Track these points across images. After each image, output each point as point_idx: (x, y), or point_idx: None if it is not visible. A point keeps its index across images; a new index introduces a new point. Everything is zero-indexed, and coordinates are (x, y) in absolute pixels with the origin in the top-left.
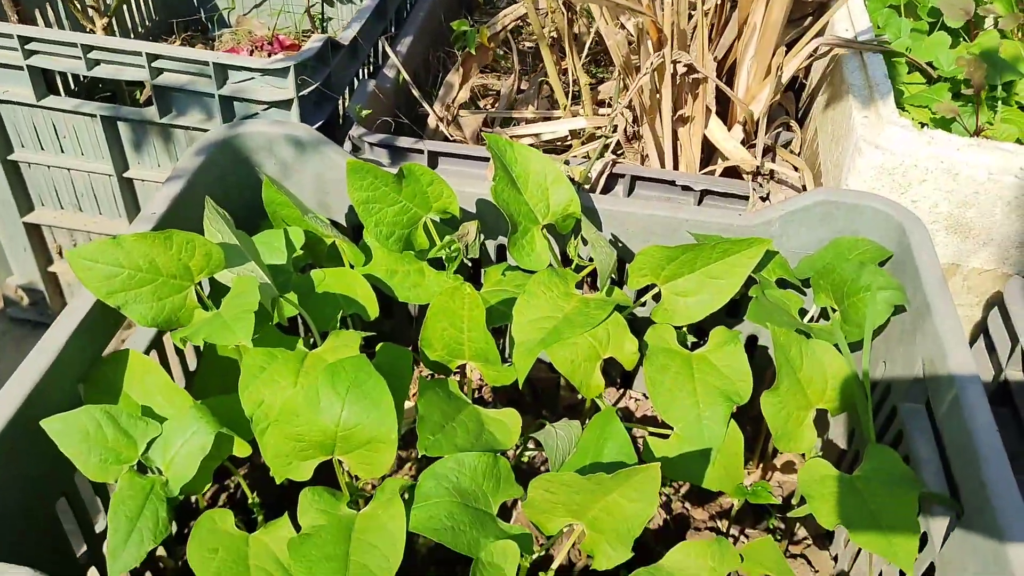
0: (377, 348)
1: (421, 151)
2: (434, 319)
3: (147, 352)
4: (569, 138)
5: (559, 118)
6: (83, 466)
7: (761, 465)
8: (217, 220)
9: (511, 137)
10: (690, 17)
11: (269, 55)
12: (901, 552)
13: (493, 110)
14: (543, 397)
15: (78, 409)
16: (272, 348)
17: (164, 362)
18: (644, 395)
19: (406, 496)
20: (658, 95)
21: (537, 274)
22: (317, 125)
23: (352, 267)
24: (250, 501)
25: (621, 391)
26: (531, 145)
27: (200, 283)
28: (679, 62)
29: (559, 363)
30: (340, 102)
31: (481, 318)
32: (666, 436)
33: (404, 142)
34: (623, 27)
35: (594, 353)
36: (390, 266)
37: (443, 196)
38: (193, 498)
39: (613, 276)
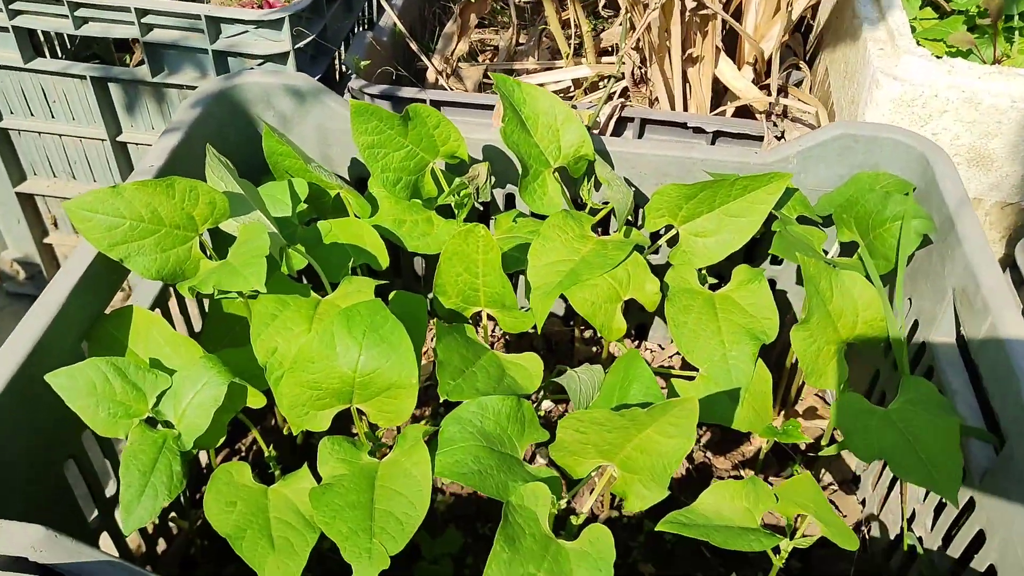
0: (391, 296)
1: (424, 100)
2: (447, 264)
3: (151, 310)
4: (572, 88)
5: (562, 68)
6: (91, 421)
7: (783, 412)
8: (219, 168)
9: None
10: None
11: None
12: (944, 481)
13: (493, 63)
14: (557, 351)
15: (84, 362)
16: (284, 295)
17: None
18: (660, 346)
19: (428, 443)
20: (667, 33)
21: (551, 216)
22: (318, 77)
23: (359, 218)
24: (266, 455)
25: (636, 343)
26: None
27: (204, 234)
28: None
29: (579, 305)
30: (336, 57)
31: (497, 261)
32: (691, 379)
33: (406, 92)
34: None
35: (615, 294)
36: (398, 215)
37: (451, 139)
38: (204, 460)
39: (629, 218)
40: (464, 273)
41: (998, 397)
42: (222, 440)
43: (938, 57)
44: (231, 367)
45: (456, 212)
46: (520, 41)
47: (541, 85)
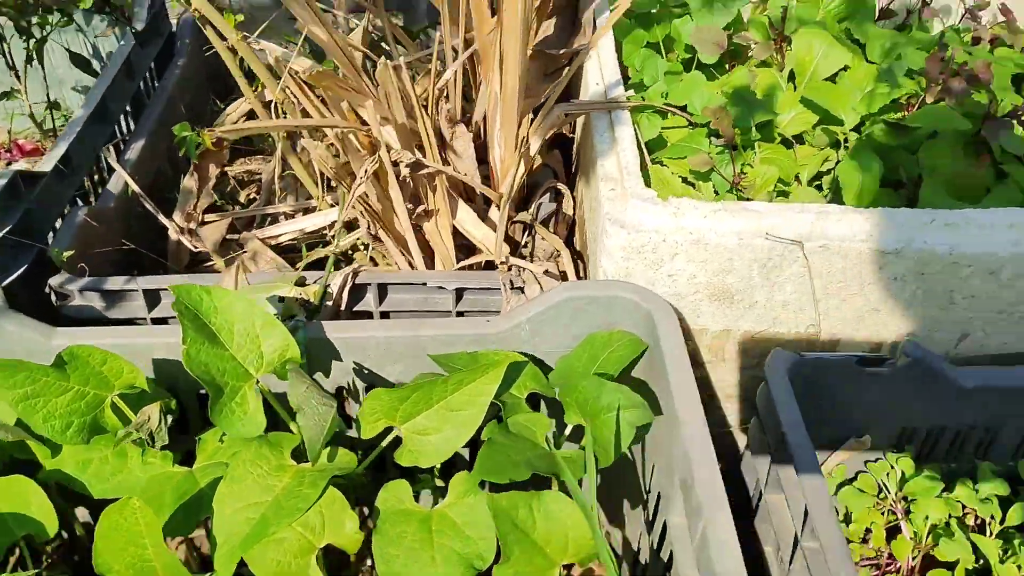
0: None
1: (135, 290)
2: (105, 540)
3: None
4: (329, 228)
5: (316, 211)
6: None
7: None
8: None
9: (262, 240)
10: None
11: (8, 163)
12: None
13: (239, 210)
14: None
15: None
16: None
17: None
18: None
19: None
20: (387, 198)
21: (242, 450)
22: (17, 274)
23: (39, 463)
24: None
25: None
26: (293, 240)
27: None
28: (401, 162)
29: (262, 568)
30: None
31: (158, 532)
32: None
33: (114, 283)
34: (323, 136)
35: (307, 545)
36: (81, 456)
37: (124, 372)
38: None
39: (338, 429)
40: (131, 546)
41: None
42: None
43: (684, 179)
44: None
45: (143, 449)
46: (285, 171)
47: (292, 231)
